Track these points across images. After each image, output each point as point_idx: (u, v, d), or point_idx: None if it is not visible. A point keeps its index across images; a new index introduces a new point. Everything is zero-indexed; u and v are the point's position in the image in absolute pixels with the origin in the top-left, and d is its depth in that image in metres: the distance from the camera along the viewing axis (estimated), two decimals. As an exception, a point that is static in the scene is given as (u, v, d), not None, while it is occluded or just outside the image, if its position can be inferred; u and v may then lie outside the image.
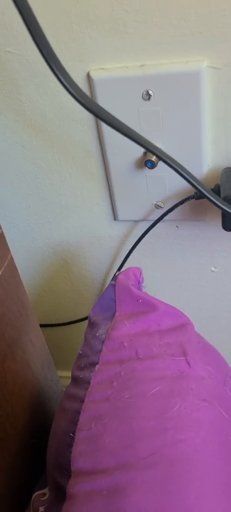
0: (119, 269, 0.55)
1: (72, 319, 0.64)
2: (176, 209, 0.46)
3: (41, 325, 0.68)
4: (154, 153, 0.32)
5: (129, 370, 0.35)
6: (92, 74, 0.39)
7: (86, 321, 0.43)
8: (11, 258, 0.38)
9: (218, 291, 0.55)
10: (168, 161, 0.33)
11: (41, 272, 0.61)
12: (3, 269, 0.35)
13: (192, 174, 0.35)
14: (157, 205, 0.48)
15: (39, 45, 0.25)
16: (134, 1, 0.35)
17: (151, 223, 0.48)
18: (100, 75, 0.39)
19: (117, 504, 0.29)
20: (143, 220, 0.50)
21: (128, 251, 0.53)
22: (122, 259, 0.54)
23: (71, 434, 0.35)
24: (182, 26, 0.35)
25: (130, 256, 0.53)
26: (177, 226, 0.50)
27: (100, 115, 0.30)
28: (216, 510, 0.28)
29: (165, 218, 0.48)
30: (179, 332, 0.37)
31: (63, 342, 0.68)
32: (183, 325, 0.38)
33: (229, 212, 0.36)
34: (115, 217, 0.51)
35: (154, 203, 0.48)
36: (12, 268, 0.38)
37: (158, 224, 0.49)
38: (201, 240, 0.51)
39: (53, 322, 0.65)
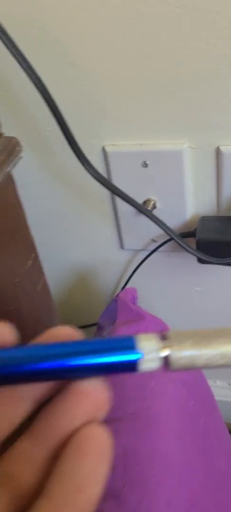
0: (125, 285, 0.70)
1: (89, 323, 0.79)
2: (167, 244, 0.61)
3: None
4: (140, 211, 0.48)
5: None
6: (106, 149, 0.55)
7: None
8: (45, 279, 0.53)
9: (201, 307, 0.70)
10: (145, 212, 0.48)
11: (64, 285, 0.77)
12: (39, 286, 0.51)
13: (164, 224, 0.50)
14: (153, 239, 0.63)
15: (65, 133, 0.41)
16: (136, 104, 0.51)
17: (148, 252, 0.64)
18: (113, 150, 0.55)
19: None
20: (143, 249, 0.65)
21: (131, 272, 0.68)
22: (127, 278, 0.69)
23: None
24: (169, 120, 0.51)
25: (133, 276, 0.68)
26: (168, 255, 0.65)
27: (109, 187, 0.46)
28: (170, 447, 0.43)
29: (160, 249, 0.63)
30: (160, 335, 0.52)
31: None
32: (162, 330, 0.53)
33: (191, 252, 0.52)
34: (122, 247, 0.66)
35: (151, 238, 0.63)
36: (45, 286, 0.53)
37: (155, 253, 0.64)
38: (187, 266, 0.66)
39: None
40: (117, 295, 0.56)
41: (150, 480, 0.41)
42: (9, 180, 0.46)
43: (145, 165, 0.54)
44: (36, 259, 0.53)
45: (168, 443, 0.43)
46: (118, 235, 0.65)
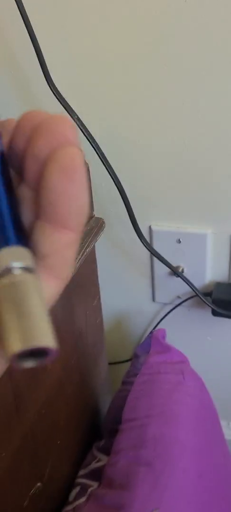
0: (154, 328, 0.90)
1: (122, 359, 0.99)
2: (189, 300, 0.82)
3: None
4: (174, 271, 0.69)
5: (153, 378, 0.70)
6: (152, 227, 0.77)
7: (129, 362, 0.79)
8: (102, 315, 0.74)
9: (211, 354, 0.90)
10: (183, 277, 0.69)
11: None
12: (99, 319, 0.72)
13: (192, 284, 0.71)
14: (178, 296, 0.84)
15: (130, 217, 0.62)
16: (176, 200, 0.73)
17: (173, 306, 0.84)
18: (156, 228, 0.77)
19: (141, 434, 0.63)
20: (169, 303, 0.86)
21: (159, 320, 0.88)
22: (156, 323, 0.89)
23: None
24: (198, 213, 0.73)
25: (161, 322, 0.88)
26: (188, 310, 0.86)
27: (154, 254, 0.67)
28: (185, 435, 0.62)
29: (182, 304, 0.83)
30: (181, 363, 0.72)
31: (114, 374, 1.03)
32: (183, 361, 0.73)
33: (209, 305, 0.72)
34: (153, 299, 0.87)
35: (177, 295, 0.84)
36: (101, 320, 0.74)
37: (179, 307, 0.84)
38: (202, 319, 0.86)
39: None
40: (151, 333, 0.77)
41: (171, 455, 0.60)
42: (93, 251, 0.68)
43: (179, 241, 0.76)
44: (99, 299, 0.74)
45: (183, 433, 0.63)
46: (151, 290, 0.87)
